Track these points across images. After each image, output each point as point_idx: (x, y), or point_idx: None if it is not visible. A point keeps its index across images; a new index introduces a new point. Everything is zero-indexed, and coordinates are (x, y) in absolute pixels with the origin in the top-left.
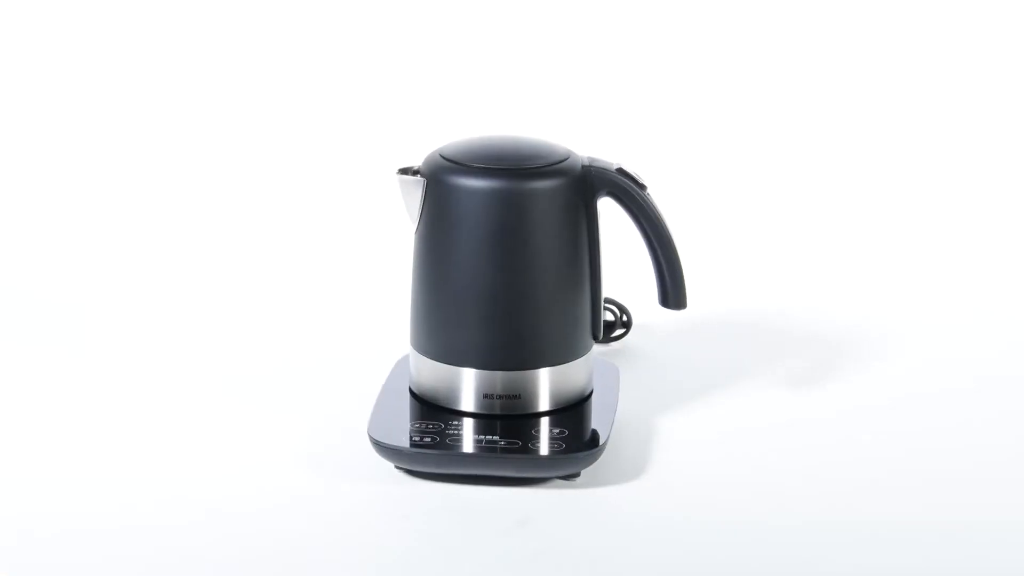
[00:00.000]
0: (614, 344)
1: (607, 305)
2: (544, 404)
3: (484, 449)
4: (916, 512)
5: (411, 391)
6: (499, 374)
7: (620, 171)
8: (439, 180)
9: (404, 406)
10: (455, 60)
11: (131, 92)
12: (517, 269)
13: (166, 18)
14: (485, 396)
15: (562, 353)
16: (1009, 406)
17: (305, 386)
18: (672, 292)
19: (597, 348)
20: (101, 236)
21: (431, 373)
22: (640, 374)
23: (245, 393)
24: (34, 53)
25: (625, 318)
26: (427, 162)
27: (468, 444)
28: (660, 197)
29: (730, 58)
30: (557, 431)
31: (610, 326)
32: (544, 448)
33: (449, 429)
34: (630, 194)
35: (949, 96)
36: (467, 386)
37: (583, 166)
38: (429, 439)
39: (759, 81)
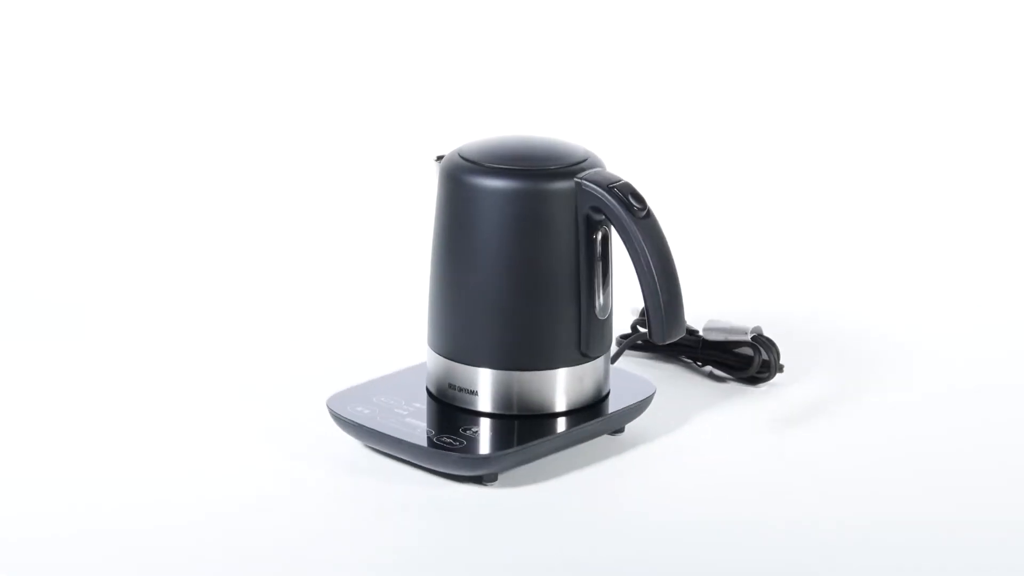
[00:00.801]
0: (760, 386)
1: (753, 340)
2: (540, 406)
3: (401, 432)
4: (922, 515)
5: (427, 390)
6: (487, 371)
7: (612, 189)
8: (454, 178)
9: (383, 389)
10: (490, 59)
11: (136, 93)
12: (517, 270)
13: (176, 18)
14: (459, 390)
15: (557, 357)
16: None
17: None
18: (653, 325)
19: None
20: (115, 233)
21: (438, 369)
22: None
23: (253, 389)
24: (34, 53)
25: (767, 357)
26: (446, 160)
27: (392, 427)
28: (674, 204)
29: (760, 63)
30: (472, 431)
31: (747, 361)
32: (428, 442)
33: (400, 409)
34: (616, 215)
35: (954, 101)
36: (449, 380)
37: (576, 179)
38: (368, 411)
39: (781, 88)
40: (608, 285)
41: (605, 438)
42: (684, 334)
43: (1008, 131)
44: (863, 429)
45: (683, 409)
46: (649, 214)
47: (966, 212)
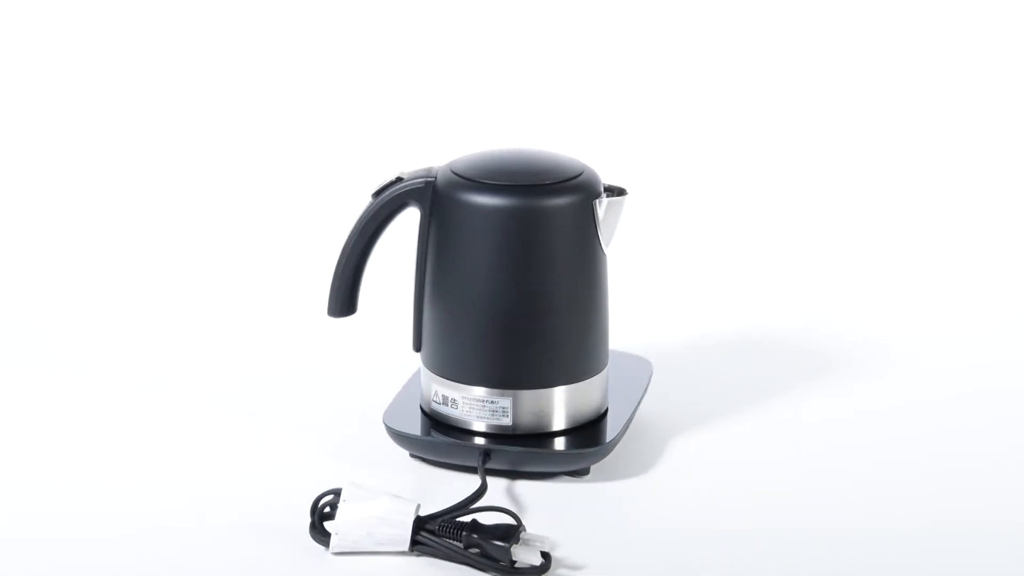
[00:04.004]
0: None
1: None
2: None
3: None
4: (923, 518)
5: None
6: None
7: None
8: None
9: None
10: (474, 69)
11: (130, 101)
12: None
13: (173, 21)
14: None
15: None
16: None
17: (330, 389)
18: None
19: None
20: (119, 238)
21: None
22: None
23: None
24: (32, 54)
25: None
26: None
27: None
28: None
29: (746, 68)
30: None
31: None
32: None
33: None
34: None
35: (944, 100)
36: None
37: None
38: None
39: (766, 91)
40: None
41: None
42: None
43: (993, 137)
44: (854, 432)
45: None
46: (374, 196)
47: (947, 217)
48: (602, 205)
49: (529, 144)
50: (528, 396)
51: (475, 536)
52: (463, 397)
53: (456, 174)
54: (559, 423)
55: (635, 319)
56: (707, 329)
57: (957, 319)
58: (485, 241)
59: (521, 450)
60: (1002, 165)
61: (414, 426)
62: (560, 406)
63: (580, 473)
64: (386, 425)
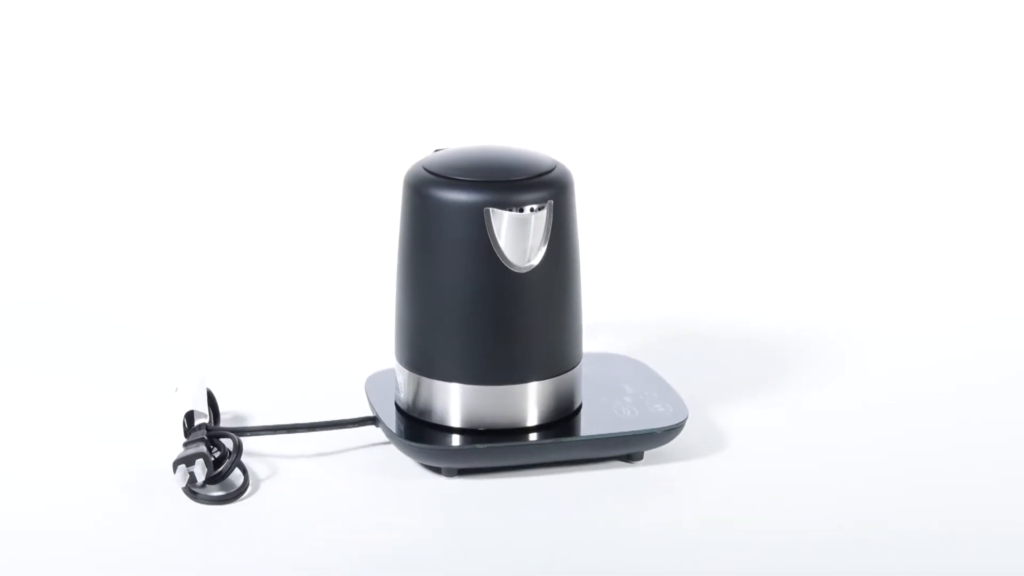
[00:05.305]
0: None
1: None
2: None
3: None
4: (910, 515)
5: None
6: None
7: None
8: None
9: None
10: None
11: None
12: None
13: (167, 19)
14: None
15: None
16: (998, 409)
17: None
18: None
19: None
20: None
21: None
22: None
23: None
24: (31, 55)
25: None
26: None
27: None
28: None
29: (714, 64)
30: None
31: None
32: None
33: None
34: None
35: (923, 102)
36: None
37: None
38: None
39: (739, 87)
40: None
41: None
42: None
43: (987, 135)
44: (850, 432)
45: None
46: None
47: (932, 215)
48: (496, 216)
49: (504, 140)
50: (433, 384)
51: (183, 445)
52: (393, 366)
53: (421, 163)
54: (468, 421)
55: (630, 318)
56: (699, 328)
57: (955, 318)
58: (405, 225)
59: (390, 428)
60: (997, 166)
61: (376, 391)
62: (456, 402)
63: (449, 473)
64: (365, 388)
